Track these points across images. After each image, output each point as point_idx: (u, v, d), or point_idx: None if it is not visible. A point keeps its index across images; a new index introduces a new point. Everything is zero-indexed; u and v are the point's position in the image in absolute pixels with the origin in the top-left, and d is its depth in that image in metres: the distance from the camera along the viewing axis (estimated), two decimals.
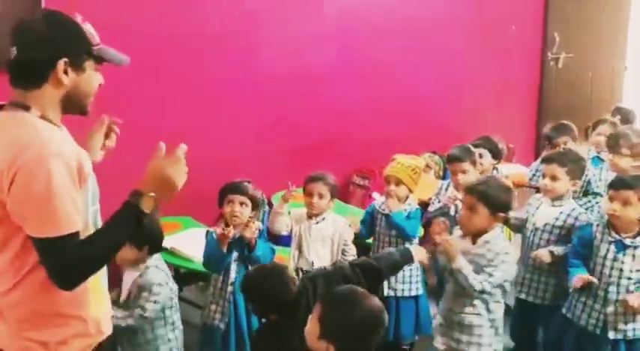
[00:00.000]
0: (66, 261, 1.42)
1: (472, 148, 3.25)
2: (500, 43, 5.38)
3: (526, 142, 5.56)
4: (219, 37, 3.84)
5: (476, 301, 2.39)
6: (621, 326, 2.51)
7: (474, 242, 2.40)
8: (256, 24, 4.00)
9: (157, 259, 2.53)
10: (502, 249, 2.38)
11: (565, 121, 3.80)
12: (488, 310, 2.40)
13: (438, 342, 2.50)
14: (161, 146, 1.55)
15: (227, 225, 2.64)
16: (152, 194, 1.49)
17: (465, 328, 2.41)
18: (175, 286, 2.58)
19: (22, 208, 1.40)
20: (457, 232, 2.38)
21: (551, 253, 2.69)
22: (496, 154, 3.45)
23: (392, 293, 3.03)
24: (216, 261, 2.64)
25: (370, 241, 3.19)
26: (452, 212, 3.16)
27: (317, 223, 2.93)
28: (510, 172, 3.72)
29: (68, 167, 1.41)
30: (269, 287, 2.01)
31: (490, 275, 2.33)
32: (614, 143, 3.09)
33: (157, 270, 2.49)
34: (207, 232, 2.75)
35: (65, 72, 1.47)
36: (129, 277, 2.50)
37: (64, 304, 1.51)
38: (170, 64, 3.61)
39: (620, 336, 2.52)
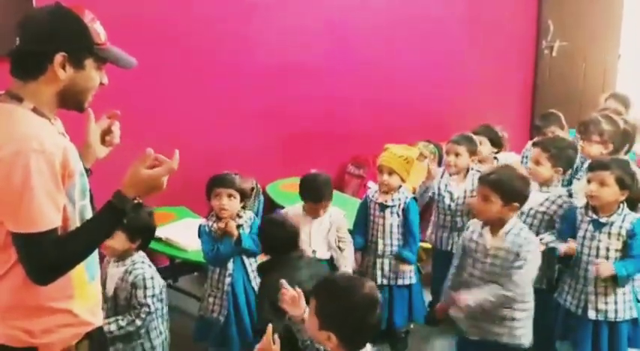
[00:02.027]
0: (41, 257, 1.43)
1: (474, 138, 3.25)
2: (494, 32, 5.37)
3: (520, 130, 5.57)
4: (214, 28, 3.83)
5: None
6: (601, 306, 2.56)
7: (493, 234, 2.38)
8: (251, 14, 3.99)
9: (142, 256, 2.50)
10: (525, 240, 2.35)
11: (552, 110, 3.78)
12: (523, 301, 2.40)
13: (465, 324, 2.47)
14: (149, 153, 1.54)
15: (218, 218, 2.66)
16: (137, 199, 1.52)
17: (497, 319, 2.39)
18: (162, 281, 2.54)
19: (1, 201, 1.41)
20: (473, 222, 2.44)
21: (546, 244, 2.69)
22: (496, 143, 3.46)
23: (385, 282, 3.05)
24: (221, 256, 2.64)
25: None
26: (433, 192, 3.24)
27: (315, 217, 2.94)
28: (505, 160, 3.72)
29: (49, 164, 1.41)
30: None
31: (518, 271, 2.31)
32: (584, 129, 3.10)
33: (144, 265, 2.46)
34: (200, 226, 2.74)
35: (63, 67, 1.47)
36: (114, 271, 2.45)
37: (48, 298, 1.52)
38: (165, 56, 3.60)
39: (601, 317, 2.56)
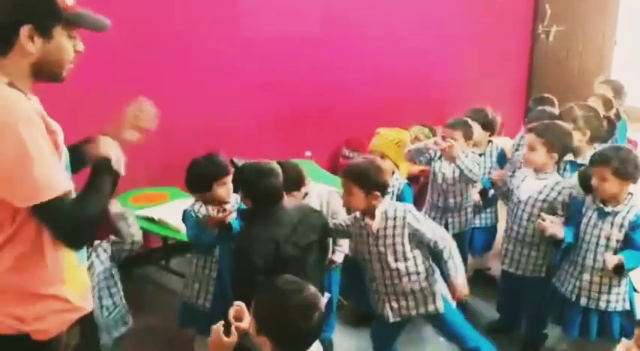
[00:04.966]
0: (66, 221, 1.40)
1: (470, 122, 3.22)
2: (492, 16, 5.34)
3: (515, 115, 5.57)
4: (206, 3, 3.75)
5: None
6: (594, 295, 2.58)
7: (372, 218, 2.40)
8: None
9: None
10: (404, 211, 2.39)
11: (547, 95, 3.76)
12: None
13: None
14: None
15: (219, 204, 2.54)
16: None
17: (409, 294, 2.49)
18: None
19: (3, 181, 1.35)
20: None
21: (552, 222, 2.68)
22: (486, 126, 3.41)
23: None
24: (210, 244, 2.55)
25: None
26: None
27: (303, 198, 2.88)
28: (500, 144, 3.71)
29: (40, 129, 1.37)
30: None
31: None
32: (559, 119, 3.11)
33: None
34: (185, 212, 2.62)
35: (31, 39, 1.39)
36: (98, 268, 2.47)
37: (39, 284, 1.48)
38: (154, 32, 3.54)
39: (592, 305, 2.59)
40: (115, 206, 2.37)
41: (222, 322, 1.64)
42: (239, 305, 1.70)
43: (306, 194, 2.83)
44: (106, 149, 1.56)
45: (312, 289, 1.62)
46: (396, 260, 2.40)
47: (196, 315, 2.68)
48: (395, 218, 2.38)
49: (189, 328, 2.79)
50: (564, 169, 3.06)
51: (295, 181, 2.66)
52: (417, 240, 2.41)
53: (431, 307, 2.47)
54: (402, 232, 2.38)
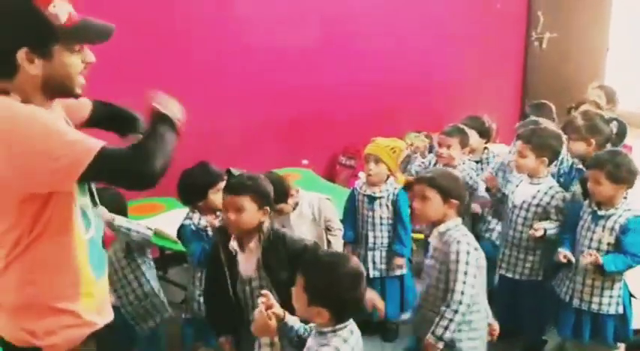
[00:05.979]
0: (125, 161, 1.38)
1: (466, 130, 3.24)
2: (485, 24, 5.37)
3: (510, 122, 5.58)
4: (204, 11, 3.77)
5: None
6: (586, 297, 2.60)
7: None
8: None
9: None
10: (455, 241, 2.21)
11: (544, 101, 3.78)
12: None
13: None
14: None
15: (214, 213, 2.53)
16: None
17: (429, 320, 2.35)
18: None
19: (41, 169, 1.32)
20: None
21: (545, 230, 2.71)
22: (483, 134, 3.44)
23: (377, 274, 3.04)
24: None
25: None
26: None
27: (293, 209, 2.88)
28: (496, 151, 3.72)
29: (43, 109, 1.39)
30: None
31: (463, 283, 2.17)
32: (563, 130, 3.13)
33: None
34: (183, 227, 2.57)
35: (31, 61, 1.38)
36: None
37: (54, 297, 1.47)
38: (152, 38, 3.55)
39: (584, 307, 2.61)
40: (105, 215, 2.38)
41: (264, 307, 1.73)
42: (266, 295, 1.77)
43: (296, 204, 2.84)
44: (164, 106, 1.59)
45: (355, 258, 1.72)
46: (428, 284, 2.31)
47: (202, 328, 2.65)
48: (445, 243, 2.25)
49: (195, 342, 2.77)
50: (574, 177, 3.07)
51: (281, 193, 2.64)
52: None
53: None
54: (443, 259, 2.24)
